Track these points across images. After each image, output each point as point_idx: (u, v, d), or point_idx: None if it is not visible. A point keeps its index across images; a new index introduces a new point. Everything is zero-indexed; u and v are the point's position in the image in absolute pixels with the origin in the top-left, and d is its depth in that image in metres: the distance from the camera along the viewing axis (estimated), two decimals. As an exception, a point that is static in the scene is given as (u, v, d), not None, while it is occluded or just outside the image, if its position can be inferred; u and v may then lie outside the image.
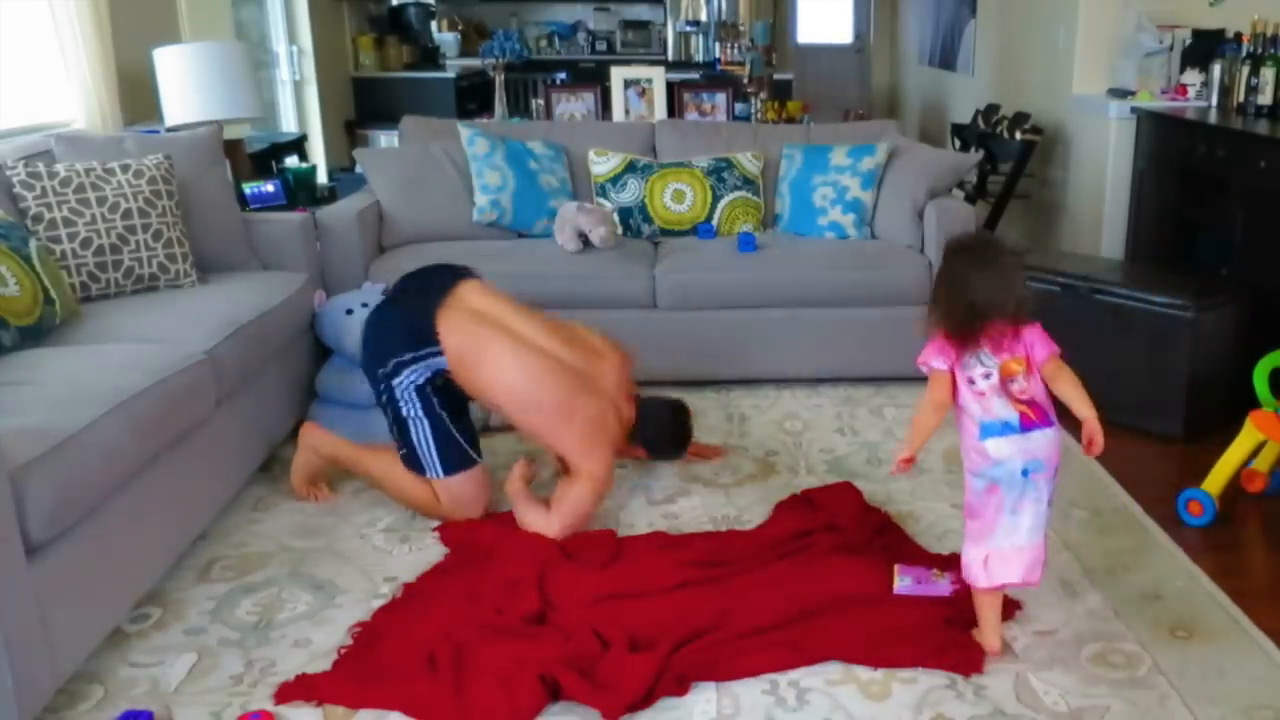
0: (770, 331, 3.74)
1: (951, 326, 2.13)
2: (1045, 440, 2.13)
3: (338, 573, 2.58)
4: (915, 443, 2.23)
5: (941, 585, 2.40)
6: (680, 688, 2.09)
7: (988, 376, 2.13)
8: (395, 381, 2.73)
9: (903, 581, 2.42)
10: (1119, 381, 3.46)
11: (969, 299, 2.10)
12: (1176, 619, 2.34)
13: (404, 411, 2.76)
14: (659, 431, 3.05)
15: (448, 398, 2.78)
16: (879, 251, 3.82)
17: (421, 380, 2.71)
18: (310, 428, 3.01)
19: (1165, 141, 4.28)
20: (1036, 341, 2.17)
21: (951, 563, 2.52)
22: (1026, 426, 2.12)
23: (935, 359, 2.16)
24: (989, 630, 2.21)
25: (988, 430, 2.13)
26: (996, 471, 2.13)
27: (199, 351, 2.63)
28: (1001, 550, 2.15)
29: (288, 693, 2.09)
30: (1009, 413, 2.12)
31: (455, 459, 2.78)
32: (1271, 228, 3.49)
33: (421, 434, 2.77)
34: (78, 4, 3.71)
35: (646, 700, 2.05)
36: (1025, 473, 2.12)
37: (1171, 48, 4.65)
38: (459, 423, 2.81)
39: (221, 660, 2.23)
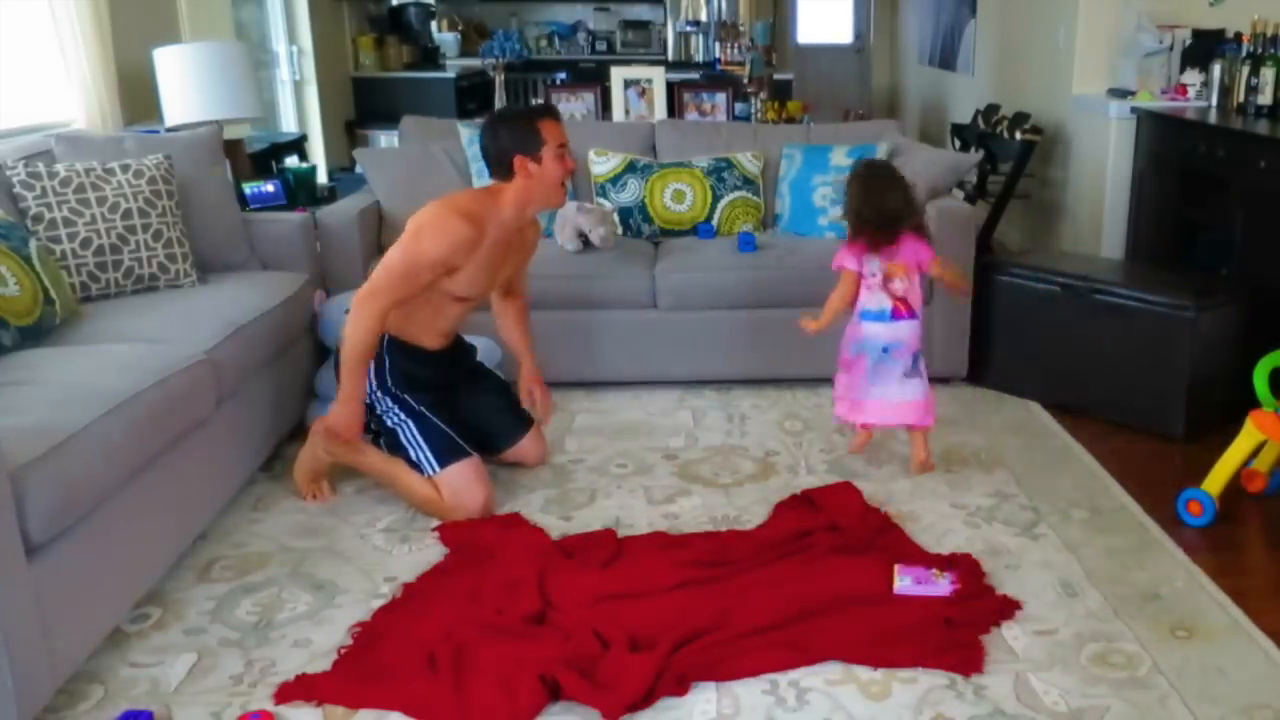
0: (770, 331, 3.74)
1: (867, 233, 2.93)
2: (907, 328, 2.99)
3: (338, 573, 2.58)
4: (825, 319, 3.05)
5: (941, 585, 2.40)
6: (680, 688, 2.09)
7: (874, 275, 2.97)
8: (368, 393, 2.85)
9: (902, 581, 2.42)
10: (1119, 381, 3.47)
11: (879, 210, 2.91)
12: (1176, 619, 2.34)
13: (389, 421, 2.86)
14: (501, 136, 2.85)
15: (425, 394, 2.87)
16: (879, 251, 3.81)
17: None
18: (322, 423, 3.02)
19: (1165, 141, 4.28)
20: (922, 251, 2.97)
21: (952, 563, 2.53)
22: (896, 316, 2.98)
23: (849, 261, 2.99)
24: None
25: (866, 314, 3.00)
26: (865, 345, 3.01)
27: (199, 351, 2.63)
28: (860, 400, 3.07)
29: (288, 693, 2.09)
30: (885, 304, 2.98)
31: (446, 450, 2.83)
32: (1271, 228, 3.49)
33: (409, 435, 2.83)
34: (78, 4, 3.71)
35: (646, 700, 2.05)
36: (885, 349, 2.99)
37: (1171, 48, 4.65)
38: (442, 415, 2.87)
39: (221, 660, 2.23)
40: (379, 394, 2.86)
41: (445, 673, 2.12)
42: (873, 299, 2.98)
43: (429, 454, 2.82)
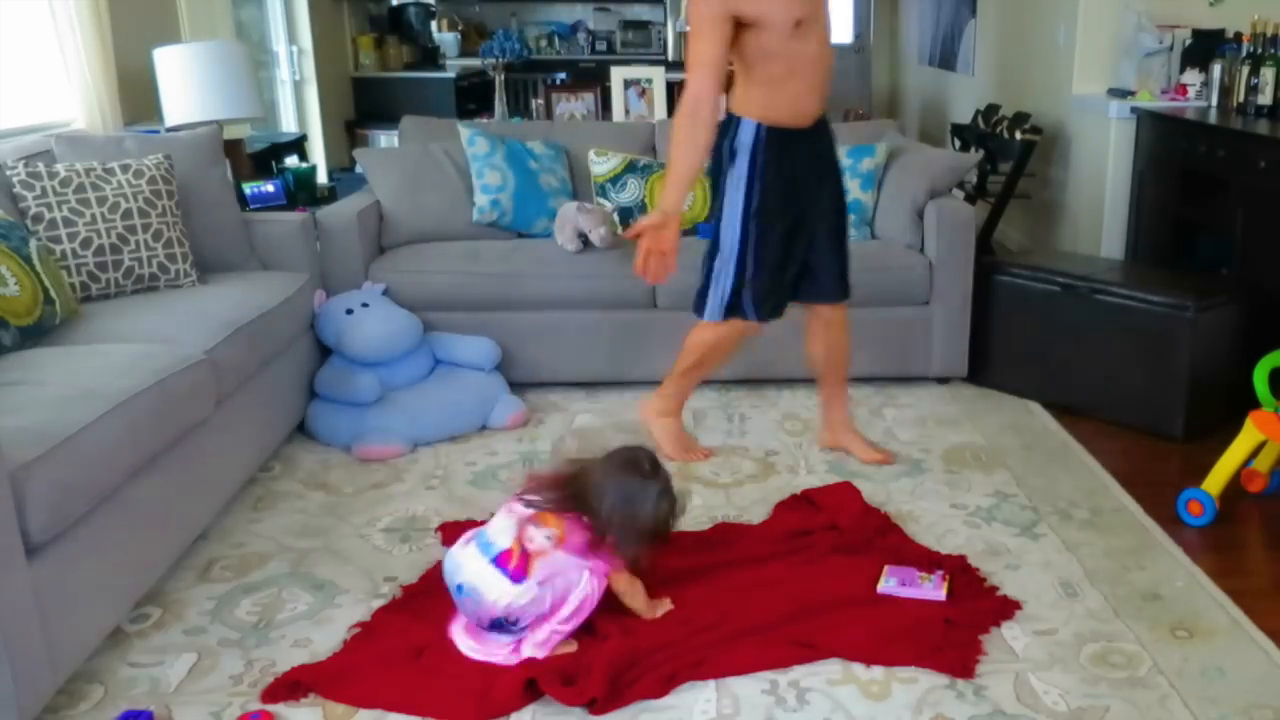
0: (770, 331, 3.73)
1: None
2: (499, 590, 2.11)
3: (338, 573, 2.58)
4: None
5: (927, 589, 2.40)
6: (663, 688, 2.09)
7: (518, 515, 2.18)
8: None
9: (887, 582, 2.43)
10: (1119, 381, 3.47)
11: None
12: (1176, 619, 2.34)
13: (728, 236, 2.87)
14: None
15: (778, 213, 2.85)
16: (879, 251, 3.82)
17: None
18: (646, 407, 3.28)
19: (1165, 141, 4.28)
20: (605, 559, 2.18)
21: (941, 564, 2.53)
22: (499, 562, 2.13)
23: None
24: None
25: (478, 538, 2.19)
26: (446, 572, 2.21)
27: (199, 351, 2.63)
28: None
29: (277, 692, 2.09)
30: (502, 542, 2.15)
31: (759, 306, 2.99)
32: (1271, 228, 3.50)
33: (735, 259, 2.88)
34: (78, 4, 3.71)
35: (619, 695, 2.05)
36: (460, 588, 2.16)
37: (1171, 48, 4.65)
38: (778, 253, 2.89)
39: (221, 660, 2.23)
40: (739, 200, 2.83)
41: (429, 667, 2.13)
42: (498, 528, 2.20)
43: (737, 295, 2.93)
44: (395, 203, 3.94)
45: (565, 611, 2.15)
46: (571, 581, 2.14)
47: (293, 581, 2.54)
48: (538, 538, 2.14)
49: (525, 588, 2.11)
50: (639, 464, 2.24)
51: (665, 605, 2.33)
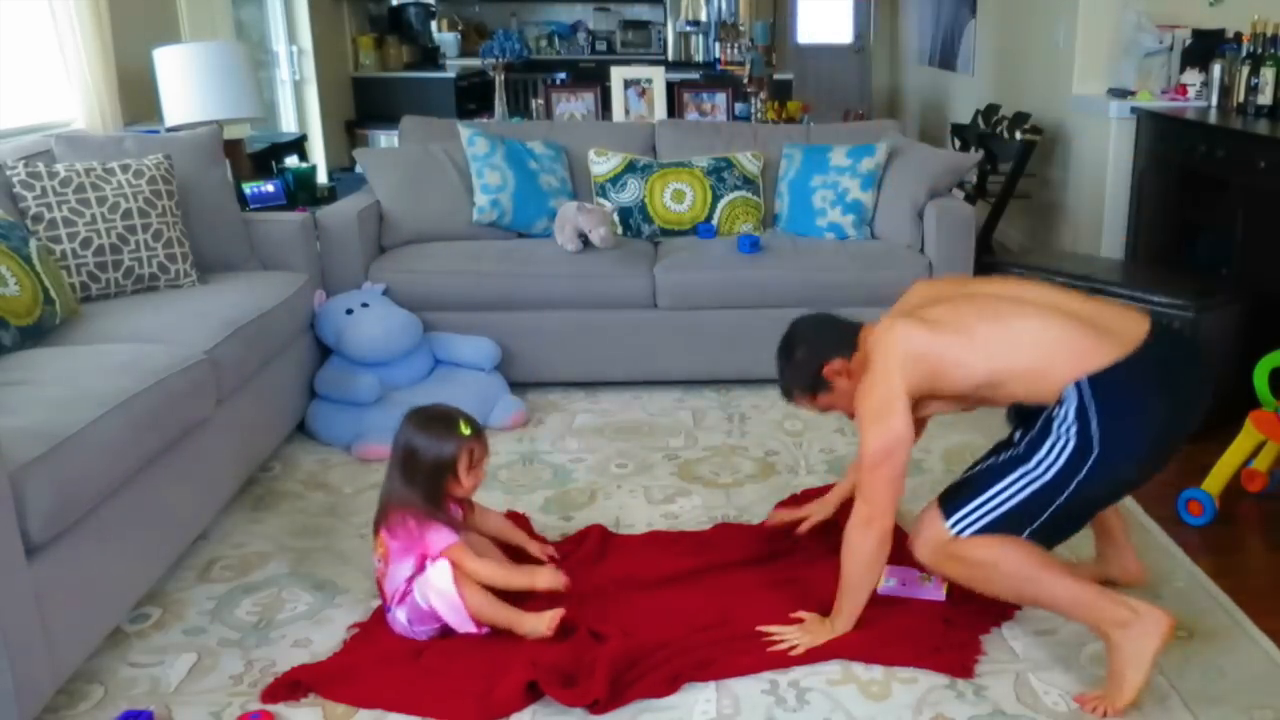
0: (770, 331, 3.72)
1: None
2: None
3: (338, 573, 2.58)
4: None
5: (928, 589, 2.40)
6: (670, 686, 2.09)
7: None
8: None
9: (888, 583, 2.42)
10: (1119, 381, 3.46)
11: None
12: (1176, 619, 2.34)
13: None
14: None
15: None
16: (879, 251, 3.82)
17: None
18: None
19: (1165, 141, 4.28)
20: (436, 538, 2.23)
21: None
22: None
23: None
24: None
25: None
26: None
27: (199, 351, 2.63)
28: None
29: (277, 692, 2.09)
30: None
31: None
32: (1271, 228, 3.49)
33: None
34: (78, 4, 3.70)
35: (621, 694, 2.05)
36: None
37: (1171, 48, 4.65)
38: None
39: (221, 660, 2.23)
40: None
41: (429, 667, 2.13)
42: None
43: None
44: (395, 203, 3.94)
45: (444, 617, 2.21)
46: (419, 588, 2.21)
47: (293, 581, 2.54)
48: (374, 561, 2.31)
49: (394, 615, 2.26)
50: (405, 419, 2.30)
51: (546, 576, 2.29)
